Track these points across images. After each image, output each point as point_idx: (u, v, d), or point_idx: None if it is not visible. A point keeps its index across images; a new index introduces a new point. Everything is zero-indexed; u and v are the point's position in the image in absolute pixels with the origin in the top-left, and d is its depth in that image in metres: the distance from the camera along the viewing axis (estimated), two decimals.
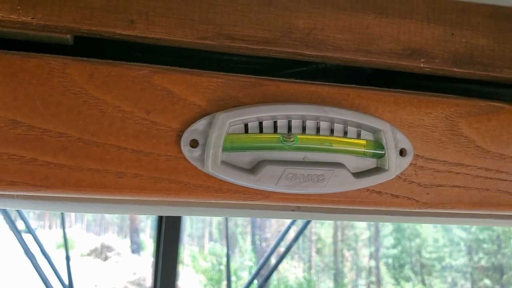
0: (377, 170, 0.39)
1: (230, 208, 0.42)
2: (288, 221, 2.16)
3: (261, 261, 2.20)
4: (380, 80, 0.45)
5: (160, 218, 1.67)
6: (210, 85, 0.37)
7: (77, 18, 0.36)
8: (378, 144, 0.39)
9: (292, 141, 0.38)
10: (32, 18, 0.35)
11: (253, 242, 12.44)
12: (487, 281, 12.17)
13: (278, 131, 0.38)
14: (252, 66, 0.44)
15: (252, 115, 0.37)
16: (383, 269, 13.71)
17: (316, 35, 0.40)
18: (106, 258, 11.54)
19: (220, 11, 0.38)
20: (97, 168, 0.35)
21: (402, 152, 0.40)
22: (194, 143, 0.36)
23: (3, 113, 0.34)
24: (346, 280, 13.57)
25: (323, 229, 14.12)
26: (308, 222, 2.34)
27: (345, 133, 0.39)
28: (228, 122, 0.36)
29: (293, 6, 0.39)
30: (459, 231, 13.21)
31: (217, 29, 0.38)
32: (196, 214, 0.43)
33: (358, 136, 0.39)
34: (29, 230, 1.93)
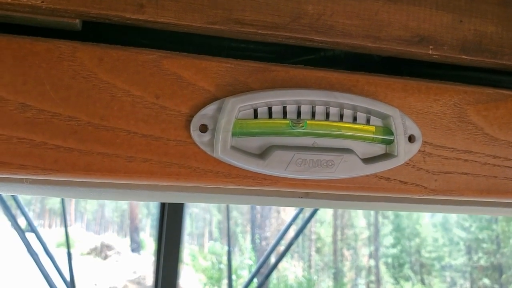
0: (386, 156, 0.39)
1: (237, 195, 0.42)
2: (288, 220, 2.16)
3: (261, 260, 2.20)
4: (388, 68, 0.45)
5: (162, 217, 1.66)
6: (219, 70, 0.37)
7: (87, 2, 0.35)
8: (387, 130, 0.39)
9: (302, 126, 0.38)
10: (42, 2, 0.35)
11: (253, 241, 12.44)
12: (486, 281, 12.18)
13: (288, 116, 0.38)
14: (260, 54, 0.44)
15: (261, 100, 0.37)
16: (382, 268, 13.72)
17: (326, 21, 0.40)
18: (106, 257, 11.54)
19: None
20: (107, 152, 0.35)
21: (410, 139, 0.40)
22: (203, 128, 0.36)
23: (13, 96, 0.34)
24: (345, 280, 13.57)
25: (322, 228, 14.13)
26: (307, 221, 2.34)
27: (355, 118, 0.39)
28: (237, 107, 0.36)
29: None
30: (459, 231, 13.22)
31: (226, 14, 0.38)
32: (204, 201, 0.43)
33: (368, 122, 0.39)
34: (32, 228, 1.93)
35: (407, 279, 13.20)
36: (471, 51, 0.42)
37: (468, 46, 0.42)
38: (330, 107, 0.38)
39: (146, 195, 0.42)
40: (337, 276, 13.39)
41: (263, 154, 0.37)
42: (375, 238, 14.24)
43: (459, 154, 0.42)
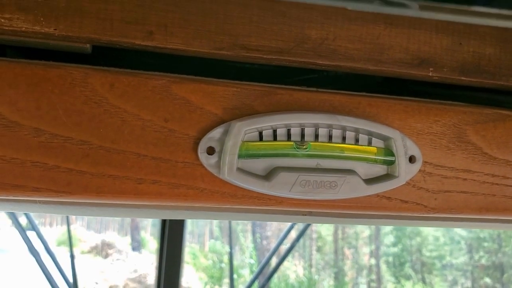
0: (387, 176, 0.41)
1: (243, 213, 0.43)
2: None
3: (263, 261, 2.21)
4: (389, 87, 0.46)
5: (164, 222, 1.67)
6: (226, 94, 0.38)
7: (98, 29, 0.37)
8: (388, 151, 0.40)
9: (305, 148, 0.39)
10: (54, 29, 0.36)
11: (254, 240, 12.46)
12: (487, 280, 12.19)
13: (292, 138, 0.39)
14: (263, 74, 0.45)
15: (266, 123, 0.38)
16: (383, 267, 13.73)
17: (328, 45, 0.41)
18: (106, 256, 11.57)
19: (236, 22, 0.39)
20: (118, 175, 0.36)
21: (411, 159, 0.41)
22: (210, 150, 0.38)
23: (27, 122, 0.35)
24: (346, 279, 13.59)
25: (323, 227, 14.14)
26: (308, 224, 2.35)
27: (357, 140, 0.40)
28: (243, 130, 0.37)
29: (306, 17, 0.40)
30: (460, 230, 13.23)
31: (232, 40, 0.39)
32: (211, 218, 0.44)
33: (369, 144, 0.40)
34: (33, 227, 1.95)
35: (408, 278, 13.21)
36: (470, 73, 0.44)
37: (467, 67, 0.44)
38: (333, 129, 0.40)
39: (156, 213, 0.43)
40: (338, 275, 13.41)
41: (268, 175, 0.38)
42: (376, 237, 14.25)
43: (458, 173, 0.43)
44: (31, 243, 1.78)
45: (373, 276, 13.69)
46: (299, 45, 0.40)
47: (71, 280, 1.79)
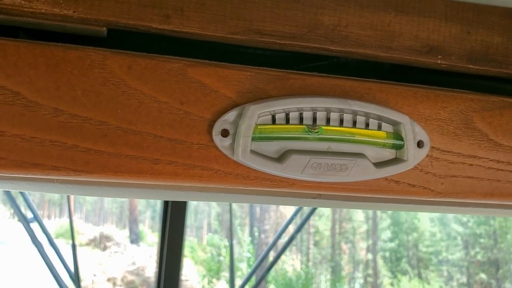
0: (396, 160, 0.41)
1: (253, 195, 0.44)
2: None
3: (261, 255, 2.23)
4: (398, 75, 0.47)
5: (165, 210, 1.68)
6: (240, 78, 0.39)
7: (116, 12, 0.37)
8: (397, 136, 0.41)
9: (317, 132, 0.40)
10: (73, 12, 0.37)
11: (252, 234, 12.51)
12: (483, 275, 12.26)
13: (304, 122, 0.40)
14: (275, 60, 0.46)
15: (279, 107, 0.39)
16: (380, 262, 13.80)
17: (341, 31, 0.42)
18: (105, 248, 11.60)
19: (250, 7, 0.40)
20: (135, 155, 0.37)
21: (419, 144, 0.42)
22: (225, 133, 0.38)
23: (47, 101, 0.36)
24: (343, 273, 13.65)
25: (321, 221, 14.19)
26: (309, 216, 2.37)
27: (367, 125, 0.41)
28: (257, 113, 0.38)
29: (319, 3, 0.41)
30: (456, 226, 13.28)
31: (247, 25, 0.40)
32: (223, 200, 0.45)
33: (379, 128, 0.41)
34: (36, 219, 1.95)
35: (404, 273, 13.28)
36: (478, 61, 0.44)
37: (475, 56, 0.44)
38: (344, 114, 0.40)
39: (170, 194, 0.44)
40: (335, 270, 13.47)
41: (280, 158, 0.39)
42: (373, 232, 14.31)
43: (464, 159, 0.44)
44: (34, 234, 1.78)
45: (370, 271, 13.76)
46: (312, 31, 0.41)
47: (72, 270, 1.80)
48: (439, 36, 0.44)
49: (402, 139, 0.41)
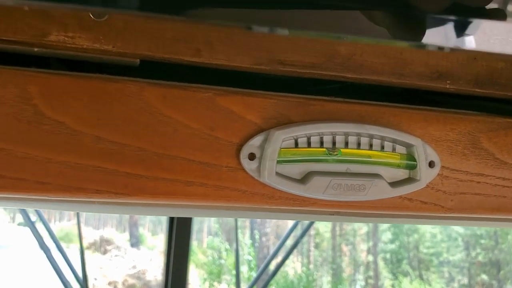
0: (409, 180, 0.45)
1: (277, 212, 0.47)
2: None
3: (267, 259, 2.26)
4: (408, 96, 0.50)
5: (171, 220, 1.70)
6: (264, 105, 0.42)
7: (152, 46, 0.41)
8: (410, 157, 0.45)
9: (336, 154, 0.43)
10: (112, 47, 0.40)
11: (252, 237, 12.53)
12: (484, 277, 12.28)
13: (324, 145, 0.43)
14: (296, 84, 0.49)
15: (301, 132, 0.42)
16: (381, 264, 13.81)
17: (356, 60, 0.45)
18: (105, 252, 11.60)
19: (273, 40, 0.43)
20: (170, 178, 0.40)
21: (430, 164, 0.45)
22: (251, 156, 0.42)
23: (89, 130, 0.39)
24: (344, 275, 13.66)
25: (321, 224, 14.20)
26: (312, 222, 2.39)
27: (382, 147, 0.44)
28: (281, 138, 0.41)
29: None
30: (457, 227, 13.30)
31: (270, 56, 0.43)
32: (249, 217, 0.48)
33: (393, 150, 0.45)
34: (43, 223, 1.98)
35: (405, 274, 13.29)
36: (484, 85, 0.48)
37: (481, 80, 0.48)
38: (361, 137, 0.44)
39: (201, 212, 0.47)
40: (336, 272, 13.48)
41: (303, 179, 0.42)
42: (373, 234, 14.33)
43: (472, 177, 0.47)
44: (41, 238, 1.81)
45: (371, 273, 13.77)
46: (330, 60, 0.44)
47: (81, 276, 1.82)
48: (448, 63, 0.47)
49: (415, 160, 0.44)
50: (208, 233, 14.66)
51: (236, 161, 0.42)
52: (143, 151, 0.40)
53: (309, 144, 0.43)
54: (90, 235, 12.68)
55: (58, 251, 1.95)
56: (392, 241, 14.17)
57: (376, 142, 0.44)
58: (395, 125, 0.45)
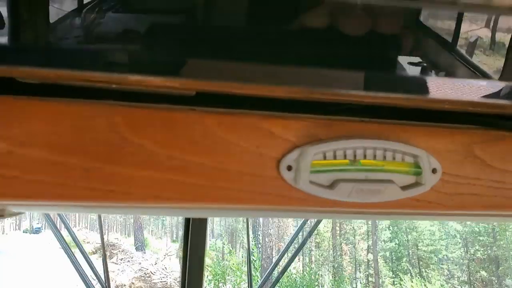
0: (416, 184, 0.54)
1: (309, 212, 0.57)
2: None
3: (275, 261, 2.34)
4: (412, 113, 0.60)
5: (188, 222, 1.76)
6: (298, 126, 0.52)
7: (213, 84, 0.50)
8: (417, 165, 0.54)
9: (357, 165, 0.53)
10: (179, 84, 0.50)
11: (256, 237, 12.65)
12: (483, 273, 12.39)
13: (347, 157, 0.53)
14: (319, 106, 0.58)
15: (329, 147, 0.52)
16: (381, 262, 13.92)
17: None
18: (111, 256, 11.68)
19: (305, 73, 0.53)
20: (226, 187, 0.50)
21: (433, 171, 0.55)
22: (289, 168, 0.51)
23: (162, 150, 0.48)
24: (345, 273, 13.76)
25: (322, 223, 14.28)
26: (317, 224, 2.48)
27: (394, 158, 0.54)
28: (312, 153, 0.51)
29: None
30: (455, 224, 13.39)
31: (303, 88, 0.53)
32: (283, 216, 0.58)
33: (403, 160, 0.54)
34: (66, 228, 2.02)
35: (406, 272, 13.40)
36: (477, 104, 0.58)
37: (476, 100, 0.58)
38: (377, 150, 0.54)
39: (241, 213, 0.56)
40: (337, 271, 13.59)
41: (331, 185, 0.52)
42: (373, 233, 14.44)
43: (469, 180, 0.57)
44: (65, 242, 1.88)
45: (371, 271, 13.88)
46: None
47: (103, 279, 1.89)
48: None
49: (420, 168, 0.54)
50: (210, 235, 14.75)
51: (276, 172, 0.51)
52: (204, 166, 0.49)
53: (335, 157, 0.53)
54: (96, 240, 12.74)
55: (82, 255, 2.02)
56: (391, 240, 14.26)
57: (388, 154, 0.54)
58: (404, 140, 0.55)
